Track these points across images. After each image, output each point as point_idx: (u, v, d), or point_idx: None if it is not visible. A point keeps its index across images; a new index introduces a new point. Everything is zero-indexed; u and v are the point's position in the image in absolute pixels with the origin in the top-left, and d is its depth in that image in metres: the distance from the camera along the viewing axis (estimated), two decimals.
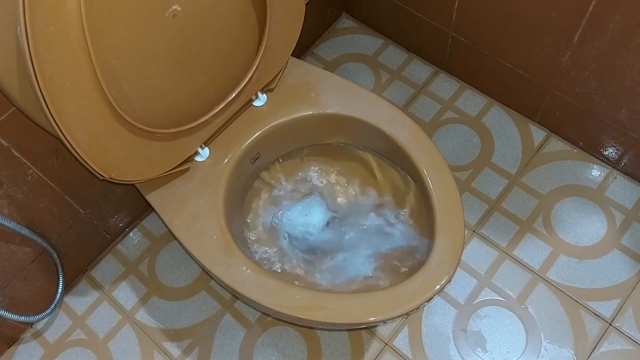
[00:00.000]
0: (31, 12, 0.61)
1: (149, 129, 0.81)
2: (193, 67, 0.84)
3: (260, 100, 0.98)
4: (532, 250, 1.19)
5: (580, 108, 1.19)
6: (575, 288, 1.15)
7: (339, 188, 1.09)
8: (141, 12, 0.72)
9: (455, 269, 0.83)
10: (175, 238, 0.90)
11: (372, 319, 0.80)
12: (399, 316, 0.80)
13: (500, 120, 1.34)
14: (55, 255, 1.09)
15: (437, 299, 1.17)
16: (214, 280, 1.21)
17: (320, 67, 1.43)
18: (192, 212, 0.90)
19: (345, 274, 0.98)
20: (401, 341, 1.13)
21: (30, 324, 1.19)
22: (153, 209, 0.93)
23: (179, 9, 0.76)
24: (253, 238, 1.02)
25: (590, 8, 0.98)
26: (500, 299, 1.15)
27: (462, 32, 1.25)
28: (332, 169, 1.09)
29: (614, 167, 1.26)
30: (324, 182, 1.09)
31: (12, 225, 0.94)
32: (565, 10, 1.02)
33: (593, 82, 1.11)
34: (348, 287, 0.95)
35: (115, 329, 1.19)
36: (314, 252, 1.06)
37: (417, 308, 0.81)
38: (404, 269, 0.95)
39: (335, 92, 0.98)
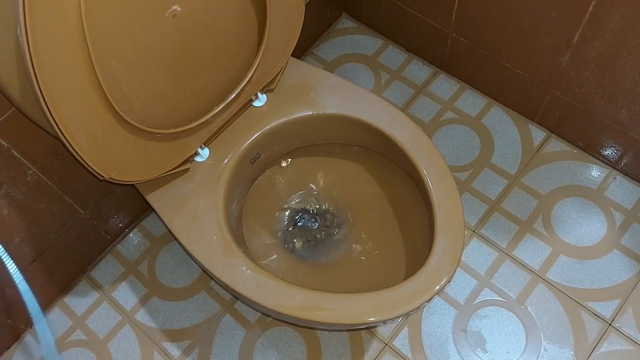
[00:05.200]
0: (31, 13, 0.61)
1: (149, 129, 0.81)
2: (193, 67, 0.84)
3: (260, 101, 0.98)
4: (532, 251, 1.19)
5: (580, 108, 1.19)
6: (575, 288, 1.15)
7: (336, 189, 1.09)
8: (141, 12, 0.72)
9: (455, 270, 0.83)
10: (175, 238, 0.90)
11: (372, 319, 0.80)
12: (399, 316, 0.80)
13: (500, 121, 1.34)
14: None
15: (437, 299, 1.17)
16: (214, 281, 1.21)
17: (320, 67, 1.43)
18: (192, 213, 0.90)
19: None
20: (401, 341, 1.13)
21: (30, 324, 1.19)
22: (153, 210, 0.93)
23: (178, 9, 0.76)
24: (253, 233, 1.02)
25: (590, 8, 0.98)
26: (500, 299, 1.15)
27: (462, 32, 1.25)
28: (331, 170, 1.09)
29: (614, 168, 1.26)
30: (323, 182, 1.09)
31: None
32: (565, 11, 1.02)
33: (593, 82, 1.11)
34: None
35: (115, 329, 1.19)
36: (307, 247, 1.07)
37: (417, 308, 0.81)
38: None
39: (335, 93, 0.98)
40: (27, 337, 1.18)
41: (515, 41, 1.16)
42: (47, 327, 0.70)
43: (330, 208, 1.09)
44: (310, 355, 1.13)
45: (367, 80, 1.41)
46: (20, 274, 0.71)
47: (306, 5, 0.97)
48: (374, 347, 1.13)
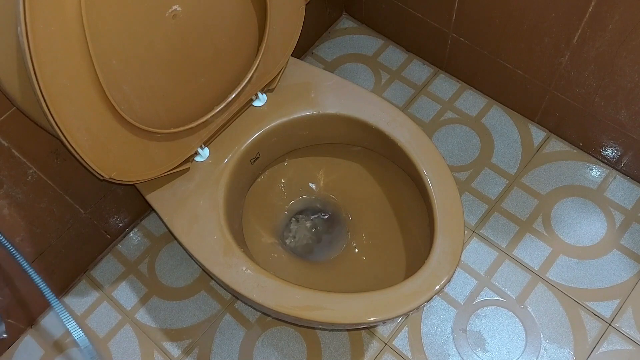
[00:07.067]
0: (32, 13, 0.61)
1: (149, 129, 0.81)
2: (193, 67, 0.84)
3: (260, 101, 0.98)
4: (532, 251, 1.19)
5: (580, 108, 1.19)
6: (575, 288, 1.15)
7: (336, 188, 1.09)
8: (141, 12, 0.72)
9: (455, 269, 0.83)
10: (175, 238, 0.90)
11: (372, 319, 0.80)
12: (399, 316, 0.80)
13: (500, 121, 1.34)
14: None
15: (436, 299, 1.17)
16: (214, 281, 1.21)
17: (320, 67, 1.43)
18: (192, 212, 0.90)
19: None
20: (401, 341, 1.13)
21: (30, 324, 1.19)
22: (153, 209, 0.93)
23: (179, 9, 0.76)
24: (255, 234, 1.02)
25: (590, 8, 0.98)
26: (500, 299, 1.16)
27: (462, 32, 1.25)
28: (331, 170, 1.09)
29: (614, 168, 1.26)
30: (323, 182, 1.09)
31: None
32: (564, 11, 1.02)
33: (592, 82, 1.11)
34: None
35: (115, 329, 1.19)
36: (307, 247, 1.07)
37: (417, 308, 0.81)
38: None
39: (335, 93, 0.98)
40: (27, 337, 1.18)
41: (515, 41, 1.16)
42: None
43: (331, 208, 1.09)
44: (310, 355, 1.13)
45: (367, 80, 1.41)
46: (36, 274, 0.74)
47: (306, 5, 0.97)
48: (374, 347, 1.13)
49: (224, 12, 0.83)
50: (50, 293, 0.79)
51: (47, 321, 1.20)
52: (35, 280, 0.79)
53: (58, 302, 0.78)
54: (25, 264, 0.80)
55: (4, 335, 0.84)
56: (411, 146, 0.92)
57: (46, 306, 1.20)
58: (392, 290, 0.81)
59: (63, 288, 1.21)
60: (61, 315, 0.77)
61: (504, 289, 1.16)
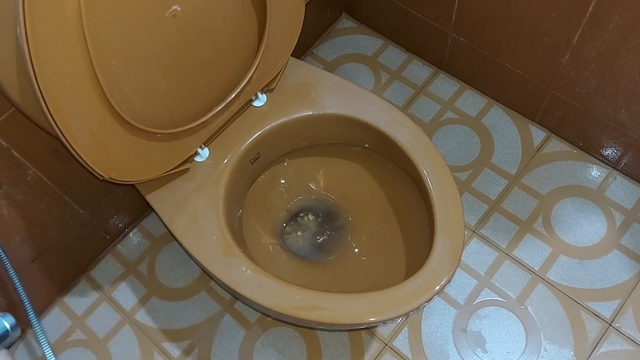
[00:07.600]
0: (31, 13, 0.61)
1: (149, 129, 0.81)
2: (193, 67, 0.84)
3: (260, 101, 0.98)
4: (532, 251, 1.19)
5: (580, 108, 1.19)
6: (575, 288, 1.15)
7: (336, 189, 1.09)
8: (141, 12, 0.72)
9: (455, 270, 0.83)
10: (175, 239, 0.90)
11: (372, 319, 0.80)
12: (399, 317, 0.80)
13: (500, 121, 1.34)
14: None
15: (437, 299, 1.17)
16: (214, 281, 1.21)
17: (320, 67, 1.43)
18: (192, 213, 0.90)
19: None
20: (401, 341, 1.13)
21: (30, 325, 1.19)
22: (153, 210, 0.93)
23: (178, 9, 0.76)
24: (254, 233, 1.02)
25: (590, 8, 0.98)
26: (500, 299, 1.15)
27: (461, 32, 1.25)
28: (331, 170, 1.09)
29: (614, 168, 1.26)
30: (323, 182, 1.09)
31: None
32: (564, 11, 1.02)
33: (593, 82, 1.11)
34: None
35: (115, 329, 1.19)
36: (307, 247, 1.07)
37: (417, 308, 0.81)
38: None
39: (335, 93, 0.98)
40: (27, 337, 1.18)
41: (515, 41, 1.16)
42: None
43: (331, 208, 1.09)
44: (310, 355, 1.13)
45: (367, 80, 1.41)
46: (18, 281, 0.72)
47: (306, 5, 0.97)
48: (374, 347, 1.13)
49: (224, 12, 0.83)
50: (33, 312, 0.78)
51: (47, 321, 1.20)
52: (21, 295, 0.78)
53: (38, 322, 0.78)
54: (13, 275, 0.80)
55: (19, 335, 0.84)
56: (411, 146, 0.92)
57: (45, 306, 1.20)
58: (392, 291, 0.81)
59: (63, 288, 1.21)
60: (39, 338, 0.76)
61: (504, 289, 1.16)
